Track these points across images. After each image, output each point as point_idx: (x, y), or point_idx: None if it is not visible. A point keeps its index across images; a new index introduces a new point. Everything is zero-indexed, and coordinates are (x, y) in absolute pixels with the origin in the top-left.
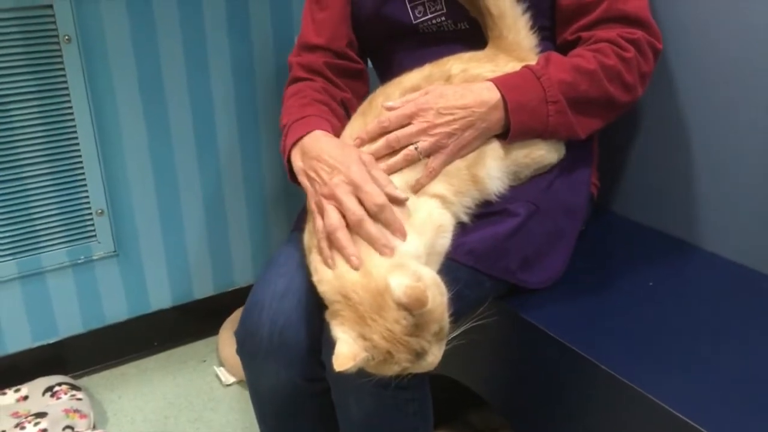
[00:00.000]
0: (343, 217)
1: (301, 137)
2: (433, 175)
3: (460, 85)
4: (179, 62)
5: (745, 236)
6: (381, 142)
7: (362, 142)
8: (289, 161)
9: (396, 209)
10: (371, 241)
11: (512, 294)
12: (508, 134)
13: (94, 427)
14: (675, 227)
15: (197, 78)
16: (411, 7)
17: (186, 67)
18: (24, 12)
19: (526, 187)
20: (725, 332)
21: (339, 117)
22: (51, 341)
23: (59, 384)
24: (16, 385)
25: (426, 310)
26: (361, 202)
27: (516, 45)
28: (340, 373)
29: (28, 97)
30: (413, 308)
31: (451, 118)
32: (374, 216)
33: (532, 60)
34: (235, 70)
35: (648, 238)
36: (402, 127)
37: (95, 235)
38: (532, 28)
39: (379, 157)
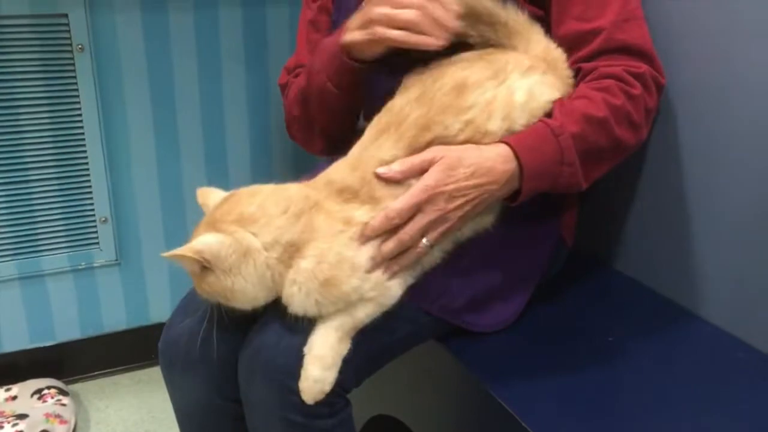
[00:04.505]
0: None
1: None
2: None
3: (470, 149)
4: (192, 76)
5: (725, 297)
6: (393, 244)
7: (368, 239)
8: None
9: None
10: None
11: (458, 335)
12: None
13: None
14: (657, 281)
15: (210, 93)
16: None
17: (199, 81)
18: (39, 20)
19: None
20: (683, 400)
21: None
22: (48, 344)
23: (48, 387)
24: (9, 384)
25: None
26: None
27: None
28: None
29: (39, 103)
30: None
31: (463, 200)
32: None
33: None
34: (249, 86)
35: (623, 290)
36: (411, 218)
37: (98, 243)
38: None
39: (391, 258)
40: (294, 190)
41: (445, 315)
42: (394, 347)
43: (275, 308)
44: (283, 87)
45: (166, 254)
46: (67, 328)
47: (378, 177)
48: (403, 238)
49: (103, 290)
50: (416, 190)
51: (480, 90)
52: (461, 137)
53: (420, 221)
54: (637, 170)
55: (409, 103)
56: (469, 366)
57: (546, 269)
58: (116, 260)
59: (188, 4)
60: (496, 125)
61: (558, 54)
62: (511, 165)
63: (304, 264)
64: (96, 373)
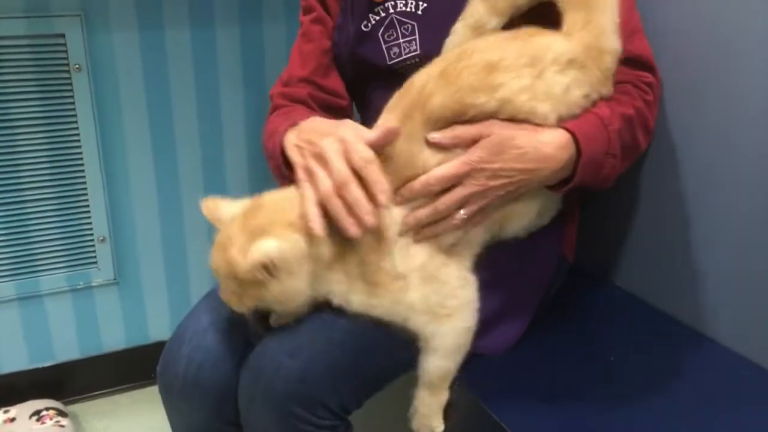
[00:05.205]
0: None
1: (297, 123)
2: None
3: (525, 131)
4: (190, 94)
5: (727, 313)
6: (428, 210)
7: (403, 200)
8: (281, 148)
9: None
10: (354, 204)
11: None
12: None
13: None
14: (664, 300)
15: (207, 111)
16: (386, 48)
17: (196, 100)
18: (36, 40)
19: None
20: (687, 421)
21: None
22: (47, 365)
23: (47, 408)
24: (7, 405)
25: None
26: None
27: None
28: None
29: (36, 123)
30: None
31: (507, 180)
32: (360, 171)
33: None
34: (247, 106)
35: (624, 306)
36: (450, 187)
37: (96, 262)
38: None
39: (423, 226)
40: None
41: None
42: (395, 369)
43: (274, 332)
44: (270, 98)
45: (245, 265)
46: (65, 349)
47: (428, 142)
48: (439, 206)
49: (102, 310)
50: (458, 162)
51: (514, 74)
52: (504, 116)
53: (458, 193)
54: (636, 184)
55: (430, 79)
56: (471, 387)
57: (548, 288)
58: (115, 279)
59: (185, 22)
60: (545, 108)
61: (609, 45)
62: (570, 152)
63: (351, 269)
64: (95, 393)
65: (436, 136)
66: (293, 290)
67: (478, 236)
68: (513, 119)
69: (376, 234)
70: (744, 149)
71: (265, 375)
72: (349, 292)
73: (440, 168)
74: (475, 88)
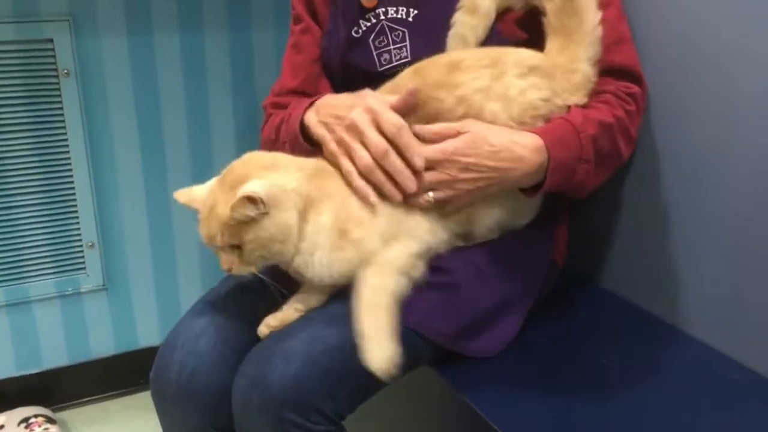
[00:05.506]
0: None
1: (313, 102)
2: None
3: (502, 131)
4: (179, 99)
5: (723, 319)
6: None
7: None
8: (301, 125)
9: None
10: (396, 173)
11: (451, 359)
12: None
13: None
14: (651, 302)
15: (196, 116)
16: (377, 54)
17: (185, 105)
18: (24, 45)
19: (474, 250)
20: (680, 423)
21: None
22: (35, 371)
23: (35, 416)
24: None
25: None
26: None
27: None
28: None
29: (24, 128)
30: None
31: (477, 176)
32: (393, 139)
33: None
34: (236, 111)
35: (617, 311)
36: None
37: (84, 268)
38: None
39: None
40: (308, 159)
41: (440, 339)
42: None
43: (267, 338)
44: (264, 108)
45: (233, 204)
46: (54, 355)
47: (414, 133)
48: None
49: (91, 316)
50: (434, 148)
51: (474, 74)
52: (459, 112)
53: (428, 176)
54: (622, 187)
55: (407, 73)
56: (463, 390)
57: (539, 292)
58: (103, 285)
59: (174, 28)
60: (495, 107)
61: (581, 68)
62: (542, 156)
63: (324, 218)
64: (84, 399)
65: (419, 128)
66: (285, 224)
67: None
68: (467, 116)
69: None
70: (727, 154)
71: (260, 381)
72: (315, 246)
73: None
74: (439, 84)
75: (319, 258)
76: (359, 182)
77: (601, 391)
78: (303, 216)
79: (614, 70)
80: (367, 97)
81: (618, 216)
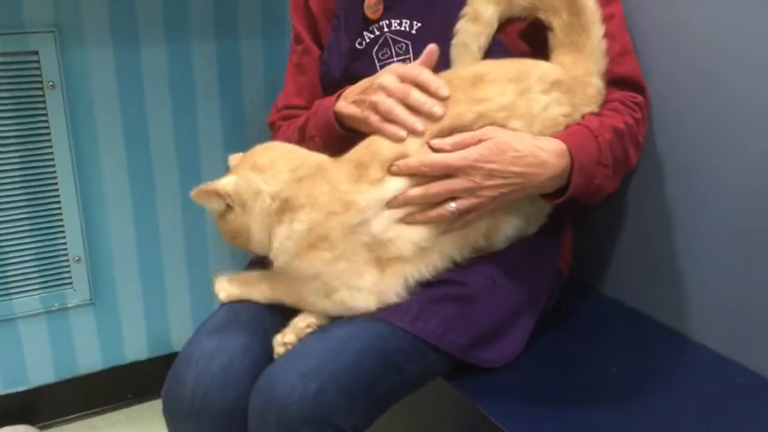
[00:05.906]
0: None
1: (339, 95)
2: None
3: (525, 137)
4: (166, 111)
5: (728, 324)
6: (418, 191)
7: (398, 171)
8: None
9: None
10: (420, 106)
11: (464, 371)
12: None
13: None
14: (656, 309)
15: (184, 128)
16: (380, 66)
17: (173, 117)
18: (9, 57)
19: (485, 261)
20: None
21: None
22: (21, 389)
23: None
24: None
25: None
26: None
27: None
28: None
29: (9, 142)
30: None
31: (501, 182)
32: (415, 80)
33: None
34: (223, 121)
35: (625, 319)
36: (445, 176)
37: (71, 283)
38: None
39: (411, 205)
40: (309, 155)
41: (453, 351)
42: (404, 386)
43: (282, 357)
44: (272, 125)
45: (194, 192)
46: (40, 372)
47: (430, 147)
48: (430, 190)
49: (78, 331)
50: (455, 155)
51: (499, 89)
52: (477, 126)
53: (450, 184)
54: (625, 195)
55: None
56: (479, 401)
57: (546, 302)
58: (90, 300)
59: (160, 39)
60: (518, 124)
61: (594, 82)
62: (565, 160)
63: (298, 226)
64: (71, 416)
65: (437, 142)
66: (245, 224)
67: (447, 246)
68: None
69: (346, 204)
70: (728, 161)
71: (278, 399)
72: (284, 251)
73: (439, 154)
74: (459, 98)
75: (283, 260)
76: (387, 126)
77: (610, 399)
78: (278, 217)
79: (619, 80)
80: (389, 66)
81: (621, 224)
